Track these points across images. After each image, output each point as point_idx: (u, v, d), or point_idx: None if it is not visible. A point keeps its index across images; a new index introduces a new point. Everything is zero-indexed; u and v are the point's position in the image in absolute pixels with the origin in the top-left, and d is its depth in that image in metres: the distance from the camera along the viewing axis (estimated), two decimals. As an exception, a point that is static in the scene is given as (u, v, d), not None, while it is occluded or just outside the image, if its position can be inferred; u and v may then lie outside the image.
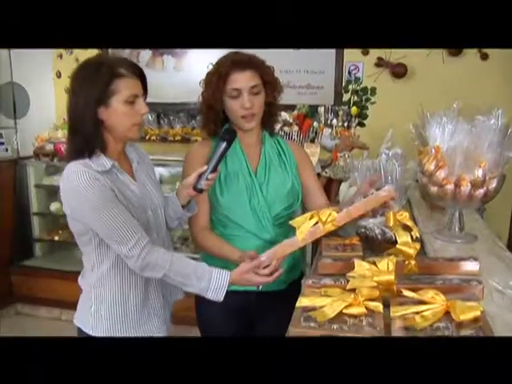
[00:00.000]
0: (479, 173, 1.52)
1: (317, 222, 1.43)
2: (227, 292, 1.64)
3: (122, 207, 1.46)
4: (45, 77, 4.37)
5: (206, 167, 1.58)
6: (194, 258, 1.57)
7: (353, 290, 1.13)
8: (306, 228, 1.44)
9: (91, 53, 4.47)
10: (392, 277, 1.17)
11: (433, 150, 1.59)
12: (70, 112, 1.49)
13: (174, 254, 1.50)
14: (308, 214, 1.46)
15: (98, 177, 1.44)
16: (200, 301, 1.83)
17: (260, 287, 1.62)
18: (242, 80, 1.67)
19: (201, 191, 1.60)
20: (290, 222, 1.49)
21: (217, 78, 1.68)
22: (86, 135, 1.47)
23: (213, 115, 1.75)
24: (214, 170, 1.58)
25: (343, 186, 2.32)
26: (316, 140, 3.04)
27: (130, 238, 1.43)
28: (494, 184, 1.55)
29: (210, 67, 1.74)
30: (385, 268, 1.20)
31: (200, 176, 1.58)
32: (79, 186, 1.42)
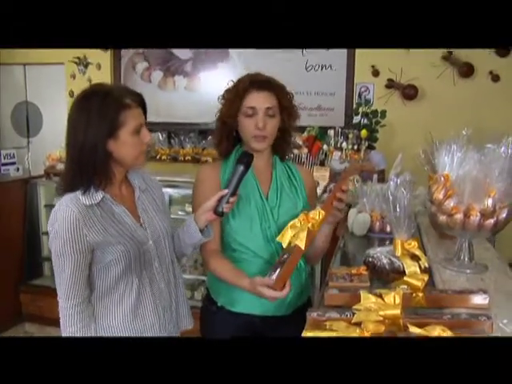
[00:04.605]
0: (489, 202, 1.49)
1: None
2: (232, 314, 1.72)
3: (78, 262, 1.49)
4: (58, 96, 4.43)
5: (226, 190, 1.59)
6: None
7: (358, 324, 1.10)
8: (304, 235, 1.48)
9: (104, 74, 4.53)
10: (398, 311, 1.14)
11: (442, 178, 1.57)
12: (77, 144, 1.46)
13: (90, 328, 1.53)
14: (296, 222, 1.51)
15: (85, 215, 1.46)
16: (205, 321, 1.86)
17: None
18: (259, 99, 1.68)
19: (222, 214, 1.61)
20: (279, 239, 1.52)
21: (234, 95, 1.70)
22: (95, 168, 1.47)
23: (226, 132, 1.76)
24: (234, 193, 1.60)
25: (351, 212, 2.29)
26: (326, 163, 3.03)
27: (68, 293, 1.51)
28: (504, 214, 1.52)
29: (230, 84, 1.75)
30: (391, 301, 1.17)
31: (220, 200, 1.58)
32: (58, 228, 1.46)
